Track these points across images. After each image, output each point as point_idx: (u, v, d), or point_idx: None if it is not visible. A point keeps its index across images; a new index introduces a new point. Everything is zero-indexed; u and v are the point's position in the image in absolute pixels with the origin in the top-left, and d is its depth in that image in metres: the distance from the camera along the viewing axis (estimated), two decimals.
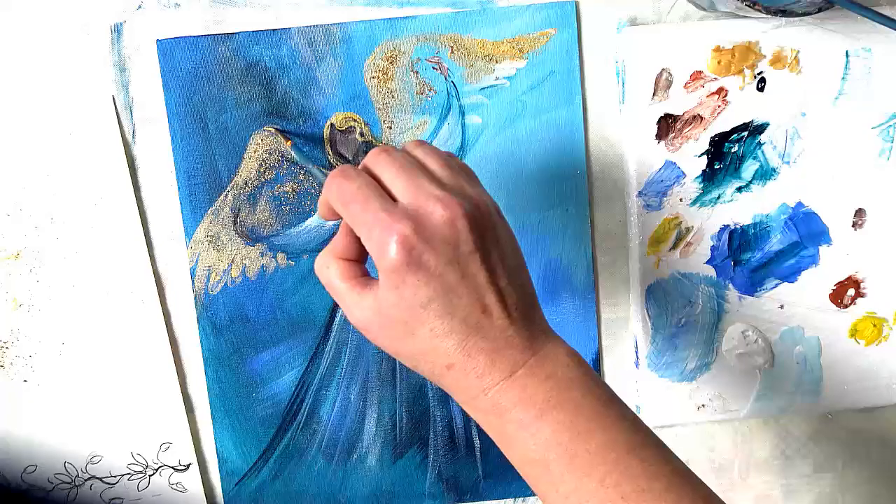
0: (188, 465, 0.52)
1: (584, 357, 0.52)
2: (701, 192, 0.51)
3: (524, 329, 0.36)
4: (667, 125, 0.50)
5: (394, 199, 0.36)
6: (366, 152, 0.50)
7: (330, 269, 0.38)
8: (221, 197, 0.50)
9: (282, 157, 0.50)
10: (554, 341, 0.37)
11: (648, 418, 0.53)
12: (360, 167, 0.38)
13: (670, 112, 0.50)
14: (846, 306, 0.52)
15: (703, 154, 0.50)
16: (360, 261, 0.38)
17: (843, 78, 0.50)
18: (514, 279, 0.37)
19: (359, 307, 0.37)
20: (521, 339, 0.36)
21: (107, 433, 0.51)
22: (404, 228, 0.34)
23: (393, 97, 0.49)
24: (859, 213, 0.52)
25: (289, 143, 0.48)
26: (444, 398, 0.52)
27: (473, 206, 0.36)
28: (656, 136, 0.50)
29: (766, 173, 0.51)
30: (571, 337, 0.52)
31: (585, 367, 0.37)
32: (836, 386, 0.53)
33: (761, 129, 0.50)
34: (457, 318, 0.35)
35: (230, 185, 0.50)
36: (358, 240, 0.37)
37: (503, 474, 0.53)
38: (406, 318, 0.35)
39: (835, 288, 0.52)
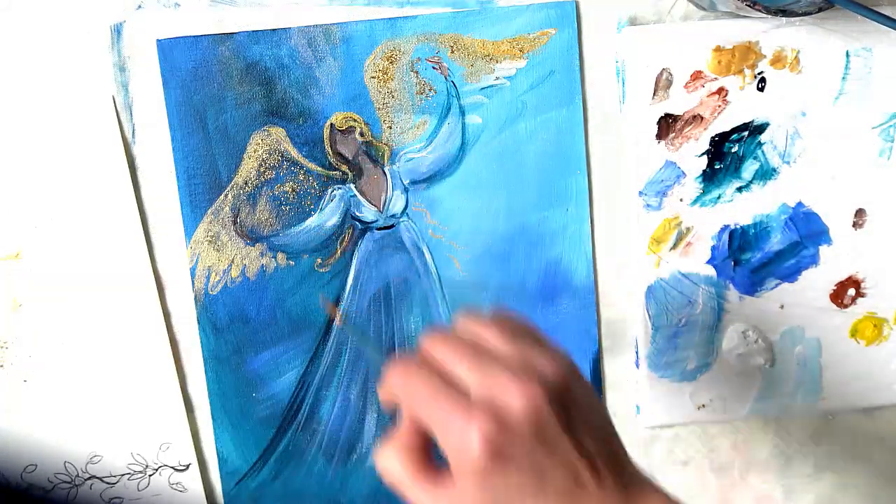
0: (188, 465, 0.52)
1: (584, 357, 0.52)
2: (701, 192, 0.51)
3: (619, 487, 0.34)
4: (667, 125, 0.50)
5: (464, 386, 0.34)
6: (366, 152, 0.50)
7: (397, 466, 0.35)
8: (221, 197, 0.50)
9: (282, 156, 0.50)
10: (651, 492, 0.35)
11: (648, 418, 0.53)
12: (418, 356, 0.36)
13: (670, 112, 0.50)
14: (846, 306, 0.52)
15: (703, 154, 0.50)
16: (426, 449, 0.36)
17: (843, 78, 0.50)
18: (600, 439, 0.35)
19: None
20: (618, 499, 0.34)
21: (107, 433, 0.51)
22: (484, 425, 0.32)
23: (393, 97, 0.49)
24: (859, 213, 0.52)
25: (339, 316, 0.46)
26: None
27: (551, 382, 0.33)
28: (656, 136, 0.50)
29: (766, 173, 0.51)
30: (571, 337, 0.52)
31: None
32: (836, 386, 0.53)
33: (761, 129, 0.50)
34: (550, 497, 0.33)
35: (230, 185, 0.50)
36: (423, 435, 0.35)
37: None
38: None
39: (835, 288, 0.52)
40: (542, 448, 0.33)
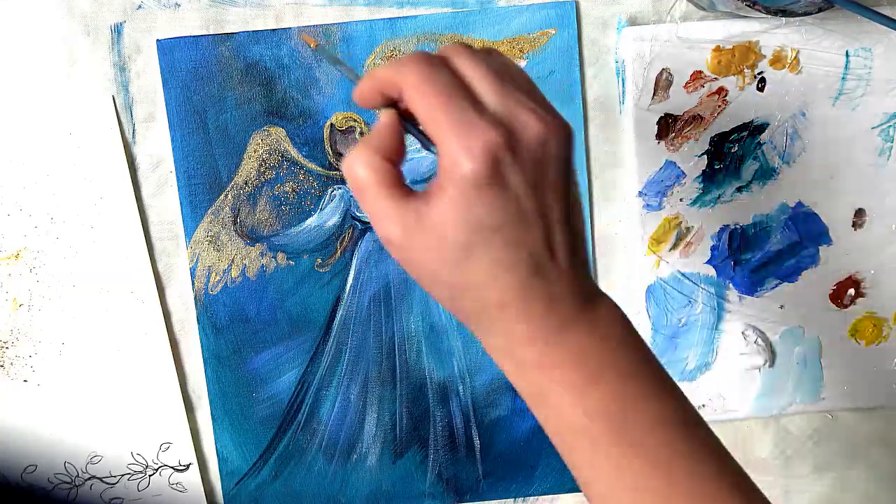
0: (188, 465, 0.52)
1: None
2: (701, 191, 0.51)
3: (583, 279, 0.32)
4: (667, 125, 0.50)
5: (481, 102, 0.31)
6: None
7: (367, 170, 0.31)
8: (221, 197, 0.50)
9: (282, 156, 0.50)
10: (608, 299, 0.33)
11: None
12: (437, 57, 0.32)
13: (670, 112, 0.50)
14: (846, 306, 0.52)
15: (703, 154, 0.50)
16: (398, 164, 0.32)
17: (843, 78, 0.50)
18: (578, 221, 0.32)
19: (395, 219, 0.31)
20: (581, 290, 0.31)
21: (107, 433, 0.51)
22: (495, 137, 0.29)
23: None
24: (859, 213, 0.52)
25: (314, 44, 0.44)
26: (445, 398, 0.52)
27: (565, 127, 0.31)
28: (656, 136, 0.50)
29: (766, 173, 0.51)
30: None
31: (637, 332, 0.33)
32: (836, 386, 0.53)
33: (761, 129, 0.50)
34: (524, 252, 0.30)
35: (230, 185, 0.50)
36: (402, 142, 0.32)
37: (503, 474, 0.53)
38: (469, 240, 0.30)
39: (835, 288, 0.52)
40: (534, 193, 0.30)
